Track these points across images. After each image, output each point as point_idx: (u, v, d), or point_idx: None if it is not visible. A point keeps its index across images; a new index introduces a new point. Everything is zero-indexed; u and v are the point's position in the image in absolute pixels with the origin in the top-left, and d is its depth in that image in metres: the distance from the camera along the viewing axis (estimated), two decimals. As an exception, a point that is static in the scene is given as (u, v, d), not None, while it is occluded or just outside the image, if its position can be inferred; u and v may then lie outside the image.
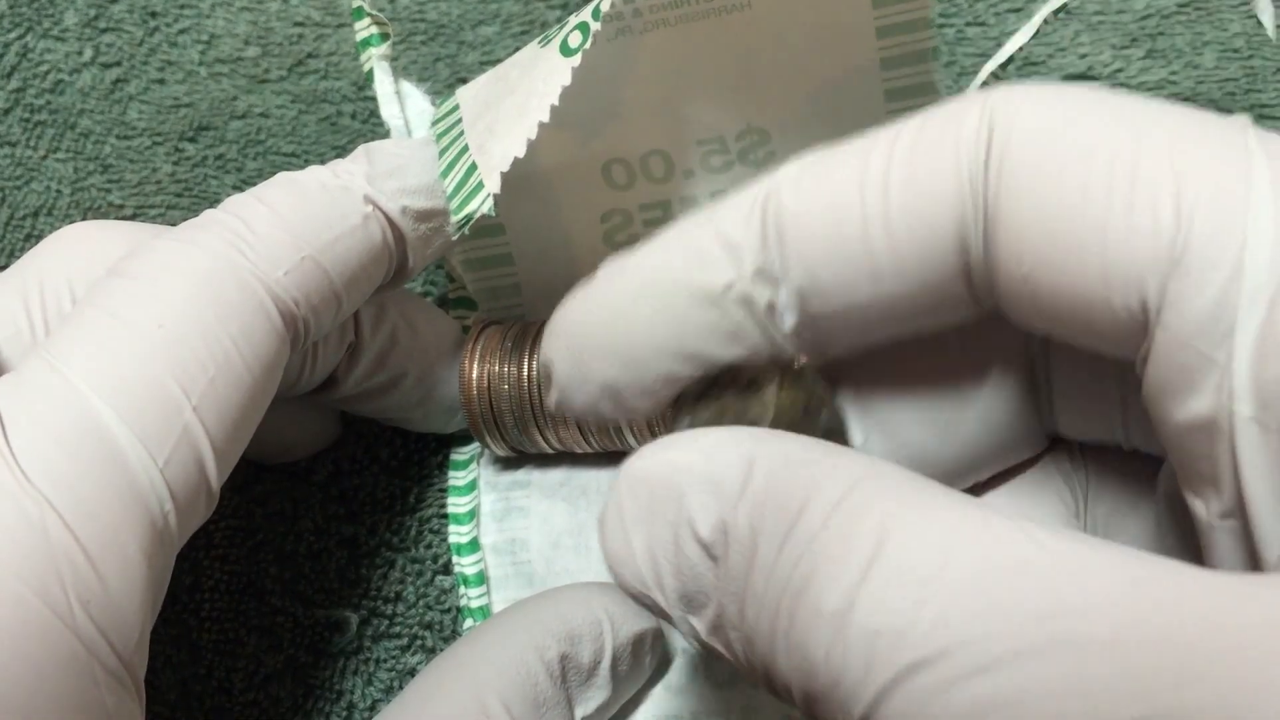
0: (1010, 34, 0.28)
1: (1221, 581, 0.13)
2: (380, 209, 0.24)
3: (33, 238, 0.33)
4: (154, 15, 0.38)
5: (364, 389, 0.27)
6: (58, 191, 0.34)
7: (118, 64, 0.37)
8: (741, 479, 0.16)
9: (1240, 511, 0.15)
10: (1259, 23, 0.34)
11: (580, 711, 0.24)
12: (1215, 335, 0.15)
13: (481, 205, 0.24)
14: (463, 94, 0.27)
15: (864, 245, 0.17)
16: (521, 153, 0.24)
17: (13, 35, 0.37)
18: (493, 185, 0.24)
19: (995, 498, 0.21)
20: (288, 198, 0.23)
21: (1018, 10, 0.35)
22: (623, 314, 0.19)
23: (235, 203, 0.22)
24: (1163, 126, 0.16)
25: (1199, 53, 0.34)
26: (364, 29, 0.28)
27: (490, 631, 0.24)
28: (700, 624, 0.17)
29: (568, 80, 0.24)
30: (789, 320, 0.18)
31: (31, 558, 0.17)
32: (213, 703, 0.27)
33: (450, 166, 0.25)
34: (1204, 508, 0.16)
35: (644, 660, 0.25)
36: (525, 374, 0.27)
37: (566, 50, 0.24)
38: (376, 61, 0.28)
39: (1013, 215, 0.16)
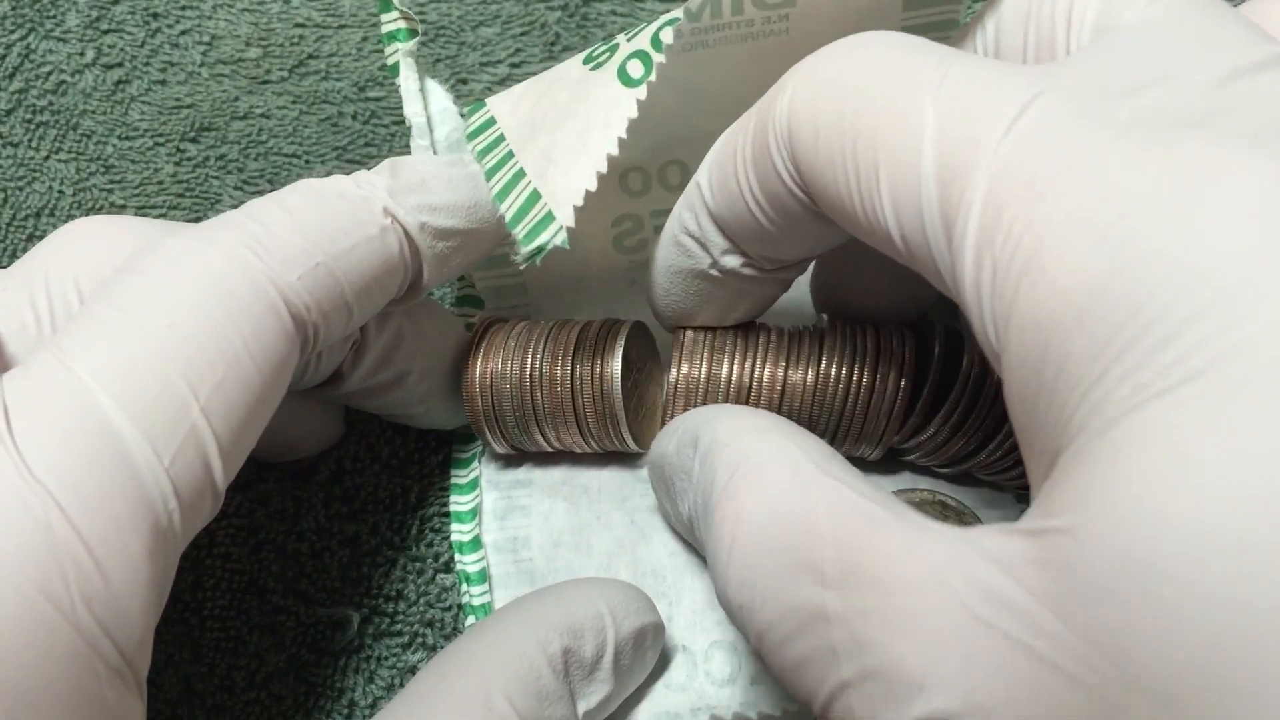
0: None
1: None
2: (399, 222, 0.24)
3: (35, 238, 0.34)
4: (156, 16, 0.38)
5: (368, 385, 0.27)
6: (60, 192, 0.34)
7: (119, 65, 0.37)
8: (690, 466, 0.23)
9: None
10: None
11: (583, 705, 0.24)
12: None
13: (554, 238, 0.24)
14: (496, 107, 0.27)
15: (755, 221, 0.23)
16: (594, 186, 0.24)
17: (15, 36, 0.37)
18: (566, 218, 0.24)
19: None
20: (306, 204, 0.23)
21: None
22: (659, 284, 0.27)
23: (254, 205, 0.22)
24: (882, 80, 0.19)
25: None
26: (391, 22, 0.28)
27: (493, 626, 0.24)
28: None
29: (634, 113, 0.24)
30: (747, 267, 0.25)
31: (35, 553, 0.17)
32: (215, 701, 0.27)
33: (507, 190, 0.25)
34: None
35: (646, 654, 0.26)
36: (527, 372, 0.27)
37: (627, 80, 0.24)
38: (402, 58, 0.28)
39: (804, 172, 0.20)
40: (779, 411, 0.26)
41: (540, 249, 0.24)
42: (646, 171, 0.29)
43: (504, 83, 0.37)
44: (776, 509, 0.19)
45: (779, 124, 0.21)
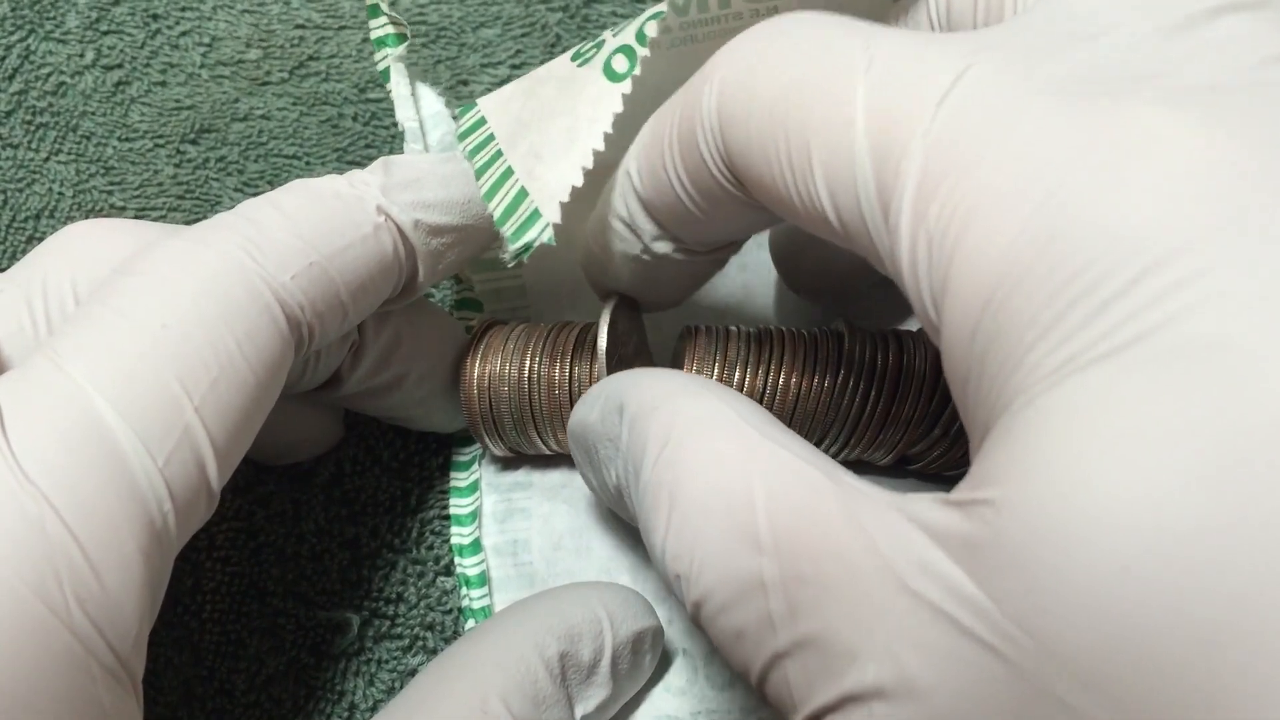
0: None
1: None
2: (393, 220, 0.24)
3: (35, 240, 0.34)
4: (156, 18, 0.38)
5: (366, 388, 0.27)
6: (59, 194, 0.34)
7: (119, 66, 0.37)
8: (616, 433, 0.22)
9: None
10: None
11: (580, 710, 0.24)
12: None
13: (541, 234, 0.24)
14: (486, 106, 0.27)
15: (684, 208, 0.23)
16: (580, 182, 0.24)
17: (15, 38, 0.37)
18: (552, 215, 0.24)
19: None
20: (300, 203, 0.23)
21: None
22: (595, 264, 0.27)
23: (249, 206, 0.23)
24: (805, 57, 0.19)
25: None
26: (380, 28, 0.28)
27: (491, 630, 0.24)
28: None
29: (620, 107, 0.24)
30: (679, 252, 0.25)
31: (29, 555, 0.17)
32: (214, 704, 0.27)
33: (495, 189, 0.25)
34: None
35: (644, 659, 0.25)
36: (525, 375, 0.27)
37: (613, 75, 0.24)
38: (393, 63, 0.28)
39: (735, 161, 0.20)
40: (791, 417, 0.26)
41: (528, 246, 0.24)
42: None
43: (504, 84, 0.36)
44: (714, 476, 0.18)
45: (706, 113, 0.20)
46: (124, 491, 0.18)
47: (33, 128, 0.35)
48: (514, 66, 0.37)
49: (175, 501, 0.19)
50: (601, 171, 0.26)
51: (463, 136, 0.27)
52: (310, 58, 0.37)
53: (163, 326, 0.20)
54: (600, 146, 0.24)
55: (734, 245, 0.26)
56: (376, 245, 0.23)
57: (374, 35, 0.28)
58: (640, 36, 0.24)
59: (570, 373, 0.27)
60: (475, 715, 0.22)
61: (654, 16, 0.24)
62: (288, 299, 0.21)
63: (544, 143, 0.25)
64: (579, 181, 0.24)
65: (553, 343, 0.28)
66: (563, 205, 0.24)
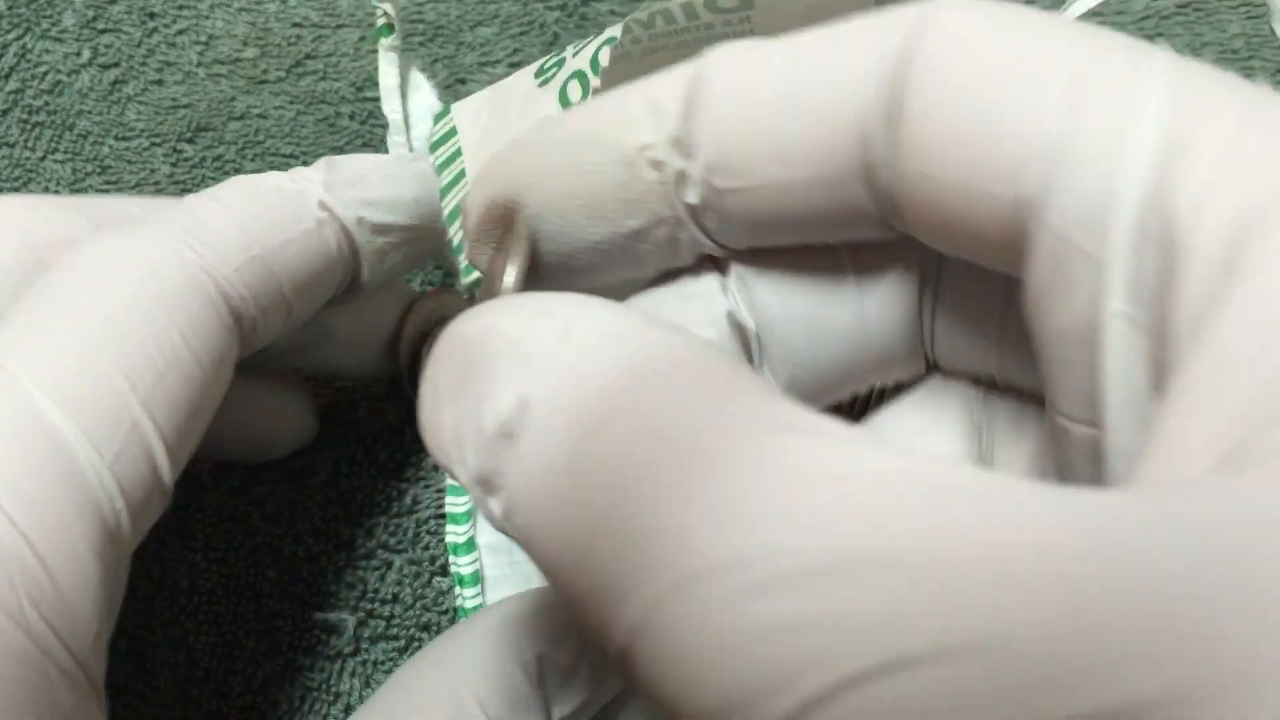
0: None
1: (1047, 495, 0.11)
2: (335, 216, 0.23)
3: (31, 239, 0.33)
4: (152, 16, 0.38)
5: (294, 344, 0.27)
6: (56, 193, 0.34)
7: (116, 65, 0.37)
8: (552, 351, 0.14)
9: (1099, 421, 0.14)
10: (1263, 24, 0.34)
11: (558, 712, 0.23)
12: (1095, 229, 0.14)
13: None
14: (460, 115, 0.27)
15: (772, 123, 0.17)
16: None
17: (11, 36, 0.37)
18: None
19: (892, 414, 0.21)
20: (241, 198, 0.22)
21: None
22: (545, 156, 0.19)
23: (188, 201, 0.22)
24: (1077, 36, 0.16)
25: (1198, 54, 0.34)
26: (380, 17, 0.28)
27: (469, 629, 0.24)
28: (496, 507, 0.15)
29: None
30: (693, 195, 0.18)
31: None
32: (210, 706, 0.27)
33: (455, 214, 0.25)
34: (1070, 424, 0.15)
35: None
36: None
37: (566, 102, 0.24)
38: (383, 53, 0.28)
39: (917, 108, 0.16)
40: None
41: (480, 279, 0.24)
42: None
43: (502, 82, 0.36)
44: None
45: (884, 89, 0.16)
46: (74, 490, 0.18)
47: (29, 126, 0.35)
48: (512, 65, 0.37)
49: (127, 498, 0.19)
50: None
51: (434, 146, 0.26)
52: (307, 56, 0.37)
53: (104, 321, 0.19)
54: None
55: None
56: (319, 241, 0.23)
57: (377, 24, 0.28)
58: (594, 64, 0.24)
59: None
60: (450, 714, 0.22)
61: (608, 42, 0.24)
62: (230, 291, 0.21)
63: None
64: None
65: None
66: None
